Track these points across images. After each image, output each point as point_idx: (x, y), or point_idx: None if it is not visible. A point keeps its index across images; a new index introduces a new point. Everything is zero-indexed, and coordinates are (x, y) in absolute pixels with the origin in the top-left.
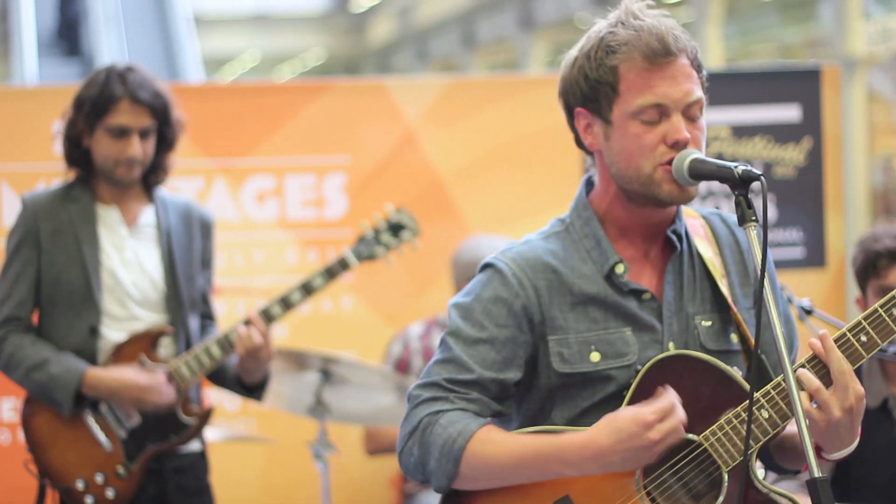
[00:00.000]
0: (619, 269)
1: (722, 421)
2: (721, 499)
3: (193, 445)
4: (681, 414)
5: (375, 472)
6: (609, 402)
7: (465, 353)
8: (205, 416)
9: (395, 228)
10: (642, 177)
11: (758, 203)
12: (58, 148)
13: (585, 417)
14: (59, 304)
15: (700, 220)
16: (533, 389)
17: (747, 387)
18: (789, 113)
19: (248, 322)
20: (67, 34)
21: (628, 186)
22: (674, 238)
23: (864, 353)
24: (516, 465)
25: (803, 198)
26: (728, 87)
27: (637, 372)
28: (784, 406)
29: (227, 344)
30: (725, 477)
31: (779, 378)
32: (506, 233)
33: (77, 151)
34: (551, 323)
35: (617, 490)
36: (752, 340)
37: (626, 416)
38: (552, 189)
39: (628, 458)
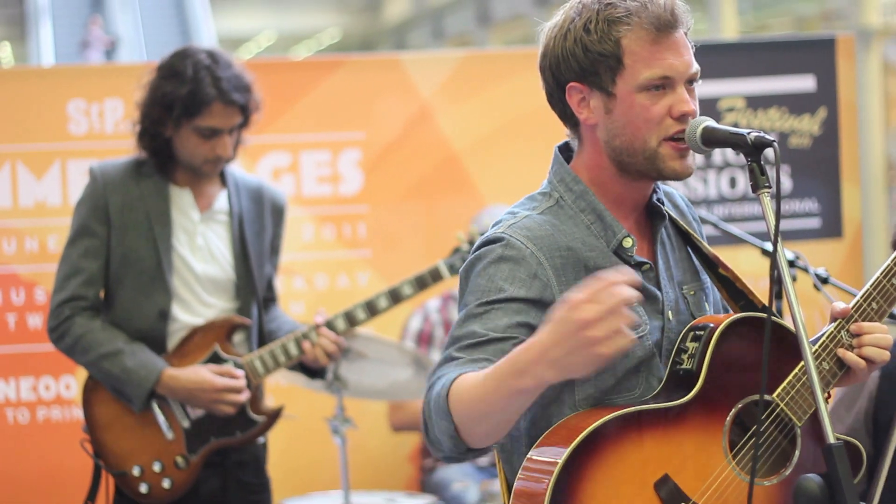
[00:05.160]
0: (628, 243)
1: (791, 378)
2: (797, 452)
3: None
4: (620, 293)
5: (394, 448)
6: (630, 378)
7: (476, 324)
8: (274, 415)
9: None
10: (648, 150)
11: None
12: (73, 128)
13: (609, 396)
14: (126, 284)
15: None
16: None
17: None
18: (804, 83)
19: (318, 330)
20: None
21: (630, 159)
22: (661, 207)
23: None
24: (484, 392)
25: (819, 168)
26: (743, 58)
27: (649, 344)
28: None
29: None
30: (799, 432)
31: (832, 328)
32: None
33: (156, 142)
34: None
35: (709, 461)
36: (732, 302)
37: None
38: None
39: (569, 350)
